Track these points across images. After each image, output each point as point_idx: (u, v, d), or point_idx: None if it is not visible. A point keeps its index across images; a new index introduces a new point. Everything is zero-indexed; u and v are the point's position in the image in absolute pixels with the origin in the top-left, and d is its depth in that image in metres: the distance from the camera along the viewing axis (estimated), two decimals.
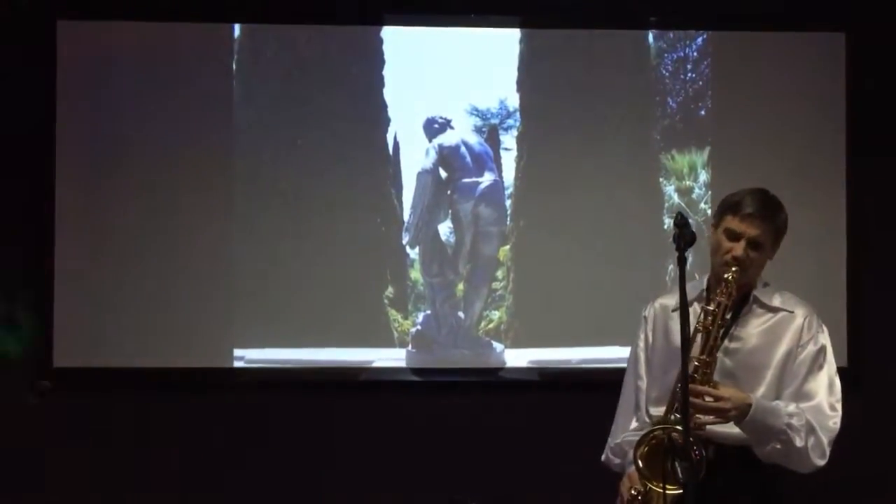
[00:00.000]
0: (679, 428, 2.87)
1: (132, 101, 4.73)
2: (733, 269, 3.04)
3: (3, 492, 4.56)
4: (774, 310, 3.19)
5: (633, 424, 3.27)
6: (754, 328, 3.17)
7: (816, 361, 3.14)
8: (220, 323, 4.74)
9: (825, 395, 3.11)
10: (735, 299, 3.07)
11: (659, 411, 3.19)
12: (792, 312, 3.17)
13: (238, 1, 4.78)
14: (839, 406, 3.12)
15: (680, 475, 2.78)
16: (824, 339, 3.17)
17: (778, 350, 3.14)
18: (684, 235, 2.86)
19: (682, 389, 2.85)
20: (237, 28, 4.77)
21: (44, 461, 4.64)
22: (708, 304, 3.04)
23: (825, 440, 3.06)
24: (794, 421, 3.03)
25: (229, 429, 4.70)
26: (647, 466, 2.98)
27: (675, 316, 3.17)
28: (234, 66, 4.77)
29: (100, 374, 4.69)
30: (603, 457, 3.33)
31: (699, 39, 4.84)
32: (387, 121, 4.80)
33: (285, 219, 4.77)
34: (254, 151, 4.77)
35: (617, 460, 3.27)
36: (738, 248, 3.06)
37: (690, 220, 3.29)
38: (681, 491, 2.85)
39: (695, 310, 3.18)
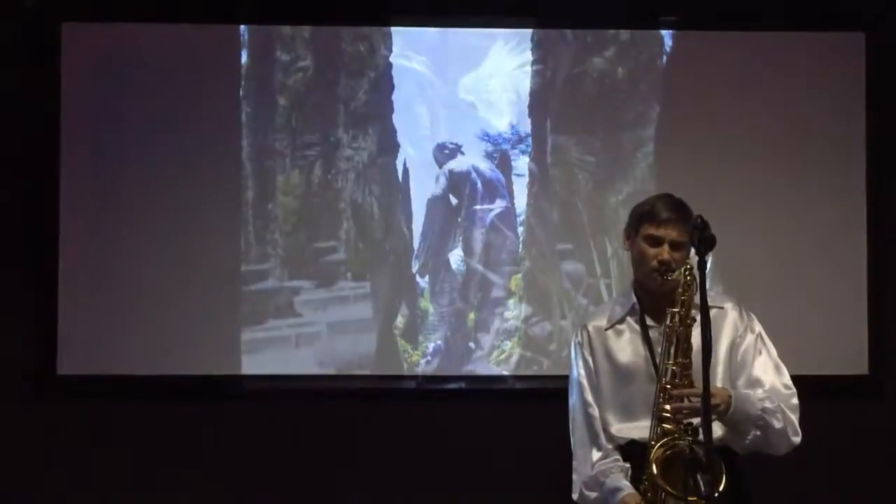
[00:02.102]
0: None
1: (137, 104, 4.68)
2: (684, 269, 3.11)
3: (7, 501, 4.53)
4: None
5: (596, 455, 3.27)
6: (693, 329, 3.16)
7: (756, 348, 3.25)
8: (226, 349, 4.67)
9: (775, 377, 3.22)
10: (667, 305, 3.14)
11: (620, 428, 3.23)
12: (722, 308, 3.27)
13: (243, 2, 4.74)
14: (792, 385, 3.23)
15: (703, 488, 2.75)
16: (757, 325, 3.29)
17: (721, 346, 3.23)
18: (704, 239, 2.89)
19: (704, 401, 2.86)
20: (244, 55, 4.73)
21: (48, 470, 4.59)
22: (672, 306, 3.10)
23: (794, 418, 3.17)
24: (768, 404, 3.11)
25: (235, 438, 4.63)
26: (663, 473, 2.96)
27: (612, 335, 3.30)
28: (241, 89, 4.72)
29: (104, 382, 4.62)
30: (575, 495, 3.31)
31: (716, 57, 4.77)
32: (396, 147, 4.75)
33: (294, 246, 4.70)
34: (262, 174, 4.71)
35: (594, 494, 3.24)
36: (664, 252, 3.17)
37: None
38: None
39: (630, 325, 3.28)
